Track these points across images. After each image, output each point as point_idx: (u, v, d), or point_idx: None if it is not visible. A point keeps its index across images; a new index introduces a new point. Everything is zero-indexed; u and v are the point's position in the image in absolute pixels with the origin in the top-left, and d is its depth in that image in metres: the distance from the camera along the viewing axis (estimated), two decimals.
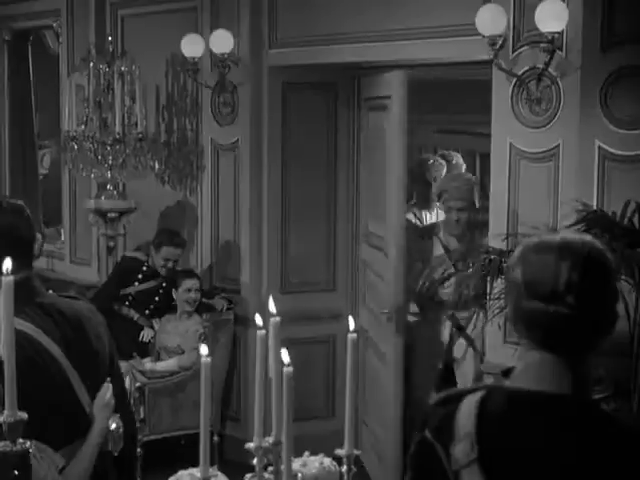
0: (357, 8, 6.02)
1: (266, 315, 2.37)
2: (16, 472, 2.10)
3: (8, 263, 2.03)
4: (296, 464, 2.83)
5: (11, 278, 2.05)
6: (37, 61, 8.90)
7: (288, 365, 2.29)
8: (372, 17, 5.92)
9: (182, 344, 6.37)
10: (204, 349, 2.17)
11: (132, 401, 5.51)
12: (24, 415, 2.10)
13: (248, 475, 2.44)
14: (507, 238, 4.88)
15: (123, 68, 6.86)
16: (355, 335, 2.31)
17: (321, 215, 6.72)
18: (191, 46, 6.52)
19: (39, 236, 3.05)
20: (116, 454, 3.03)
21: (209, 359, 2.15)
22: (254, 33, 6.47)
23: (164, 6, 7.05)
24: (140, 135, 6.82)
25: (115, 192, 7.08)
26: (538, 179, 5.03)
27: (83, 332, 2.88)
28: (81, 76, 7.12)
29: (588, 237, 1.94)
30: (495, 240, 4.97)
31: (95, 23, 7.58)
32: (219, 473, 2.51)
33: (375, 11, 5.90)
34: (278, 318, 2.36)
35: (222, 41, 6.43)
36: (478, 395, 1.91)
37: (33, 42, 8.89)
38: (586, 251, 1.86)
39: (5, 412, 2.09)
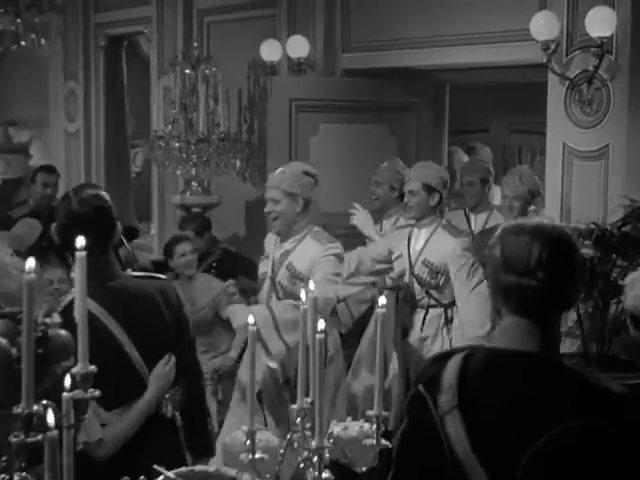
0: (424, 15, 6.38)
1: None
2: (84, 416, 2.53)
3: (82, 240, 2.45)
4: (338, 427, 3.22)
5: (84, 253, 2.47)
6: (130, 65, 9.47)
7: (321, 332, 2.69)
8: (436, 23, 6.28)
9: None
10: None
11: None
12: (94, 368, 2.52)
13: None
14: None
15: (207, 72, 7.32)
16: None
17: None
18: (270, 51, 6.96)
19: (119, 225, 3.51)
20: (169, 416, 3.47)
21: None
22: (328, 38, 6.88)
23: (246, 13, 7.50)
24: (222, 135, 7.27)
25: (199, 188, 7.55)
26: (589, 176, 5.30)
27: (148, 309, 3.31)
28: (169, 79, 7.62)
29: (558, 224, 2.29)
30: None
31: (183, 29, 8.08)
32: (264, 428, 2.91)
33: (439, 18, 6.26)
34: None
35: (298, 46, 6.84)
36: (463, 354, 2.26)
37: (127, 47, 9.46)
38: (555, 235, 2.20)
39: (78, 364, 2.52)
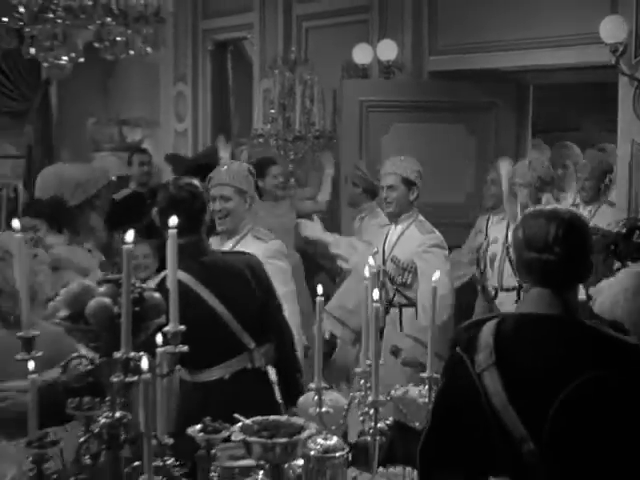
0: (506, 19, 6.77)
1: None
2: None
3: (175, 219, 2.95)
4: (399, 391, 3.67)
5: (175, 231, 2.97)
6: (236, 68, 10.05)
7: (376, 301, 3.15)
8: (517, 27, 6.65)
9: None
10: None
11: None
12: (183, 327, 3.02)
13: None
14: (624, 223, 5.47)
15: (304, 74, 7.82)
16: None
17: None
18: (362, 54, 7.45)
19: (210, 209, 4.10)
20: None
21: None
22: (416, 42, 7.31)
23: (340, 19, 7.99)
24: (317, 133, 7.75)
25: (296, 183, 8.05)
26: None
27: (232, 279, 3.86)
28: (269, 81, 8.15)
29: (572, 209, 2.70)
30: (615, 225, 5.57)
31: (283, 34, 8.61)
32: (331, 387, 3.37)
33: (520, 21, 6.63)
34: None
35: (388, 49, 7.30)
36: (495, 320, 2.67)
37: (232, 52, 10.05)
38: (568, 217, 2.61)
39: (170, 325, 3.02)
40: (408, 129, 7.06)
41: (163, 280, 3.68)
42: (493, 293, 6.08)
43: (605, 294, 3.57)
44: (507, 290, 5.90)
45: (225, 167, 4.97)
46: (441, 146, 7.02)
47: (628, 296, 3.54)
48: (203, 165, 6.55)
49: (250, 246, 4.70)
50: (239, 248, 4.72)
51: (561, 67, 6.84)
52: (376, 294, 3.21)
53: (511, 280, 5.79)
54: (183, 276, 3.71)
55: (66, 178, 4.82)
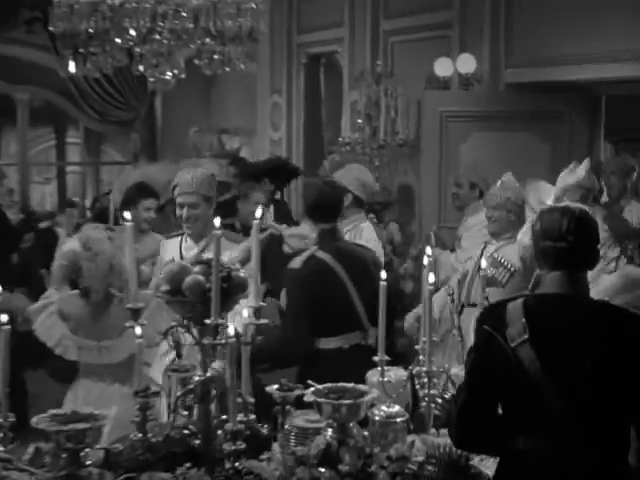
0: (579, 34, 7.20)
1: None
2: None
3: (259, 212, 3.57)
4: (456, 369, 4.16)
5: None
6: (328, 80, 10.64)
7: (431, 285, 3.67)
8: (589, 41, 7.08)
9: None
10: None
11: None
12: (264, 304, 3.59)
13: None
14: None
15: (389, 86, 8.36)
16: None
17: None
18: (443, 67, 7.95)
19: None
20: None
21: None
22: (493, 56, 7.78)
23: (424, 34, 8.52)
24: (401, 141, 8.28)
25: (380, 188, 8.57)
26: None
27: (362, 269, 4.59)
28: (356, 93, 8.71)
29: (582, 206, 3.19)
30: None
31: (370, 48, 9.17)
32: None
33: (591, 36, 7.06)
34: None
35: (467, 63, 7.79)
36: (520, 299, 3.15)
37: (325, 64, 10.64)
38: (578, 212, 3.10)
39: (252, 300, 3.59)
40: (485, 138, 7.51)
41: (309, 257, 4.77)
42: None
43: (596, 287, 4.04)
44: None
45: (190, 175, 5.13)
46: (516, 154, 7.42)
47: (610, 293, 4.04)
48: (270, 169, 7.29)
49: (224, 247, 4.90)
50: (209, 250, 4.84)
51: (633, 79, 7.22)
52: (432, 277, 3.74)
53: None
54: (323, 255, 4.72)
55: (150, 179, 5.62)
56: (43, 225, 8.08)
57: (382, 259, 5.64)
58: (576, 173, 5.93)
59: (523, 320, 3.04)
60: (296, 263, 4.87)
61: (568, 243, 3.05)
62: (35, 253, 7.65)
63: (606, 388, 2.94)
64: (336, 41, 9.85)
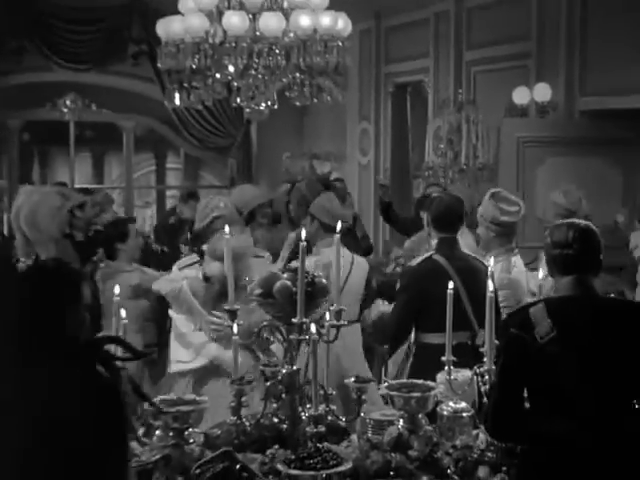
0: None
1: None
2: None
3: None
4: None
5: (338, 235, 4.08)
6: (414, 108, 11.14)
7: (491, 292, 4.13)
8: None
9: None
10: None
11: None
12: (344, 307, 4.11)
13: None
14: None
15: (470, 113, 8.83)
16: None
17: None
18: (520, 95, 8.38)
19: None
20: None
21: None
22: (568, 85, 8.19)
23: (503, 65, 8.99)
24: (480, 165, 8.72)
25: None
26: None
27: (474, 275, 5.11)
28: (439, 120, 9.20)
29: (585, 221, 3.68)
30: None
31: (454, 78, 9.65)
32: None
33: None
34: None
35: (543, 91, 8.21)
36: (540, 303, 3.59)
37: (411, 93, 11.15)
38: (583, 225, 3.59)
39: (334, 305, 4.12)
40: (560, 163, 7.90)
41: (426, 258, 5.42)
42: None
43: None
44: None
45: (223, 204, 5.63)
46: (589, 178, 7.79)
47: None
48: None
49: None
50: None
51: None
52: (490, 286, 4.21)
53: None
54: (439, 257, 5.34)
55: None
56: (156, 247, 8.70)
57: None
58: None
59: (549, 320, 3.49)
60: (414, 262, 5.61)
61: (574, 250, 3.53)
62: None
63: (622, 372, 3.41)
64: (422, 71, 10.36)
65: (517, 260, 5.94)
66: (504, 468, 3.93)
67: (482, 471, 3.98)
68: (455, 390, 4.39)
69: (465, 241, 6.72)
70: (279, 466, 3.74)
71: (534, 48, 8.63)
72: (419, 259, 5.60)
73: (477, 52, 9.48)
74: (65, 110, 12.08)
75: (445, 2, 9.79)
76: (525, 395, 3.57)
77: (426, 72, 10.25)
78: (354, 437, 4.22)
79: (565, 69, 8.27)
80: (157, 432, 3.88)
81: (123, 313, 3.94)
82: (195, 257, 5.40)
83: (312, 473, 3.62)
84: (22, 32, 10.74)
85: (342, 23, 5.71)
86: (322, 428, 3.92)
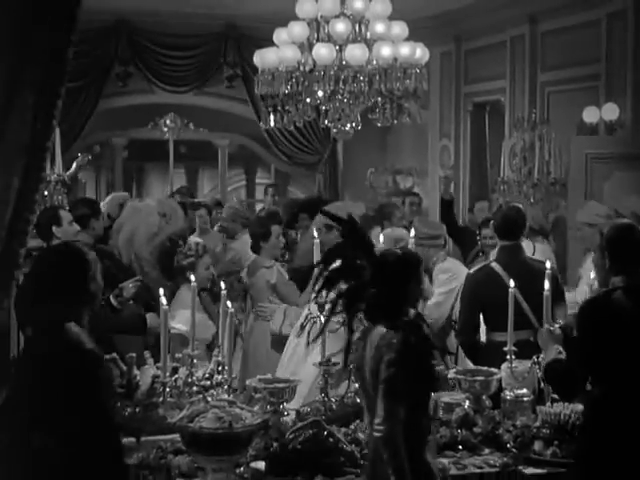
0: None
1: None
2: None
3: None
4: None
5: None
6: (492, 126, 11.67)
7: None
8: None
9: None
10: None
11: None
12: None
13: None
14: None
15: (543, 131, 9.36)
16: None
17: None
18: (590, 114, 8.91)
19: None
20: None
21: None
22: (635, 105, 8.69)
23: (575, 85, 9.54)
24: (553, 180, 9.24)
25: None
26: None
27: (531, 278, 5.45)
28: (515, 137, 9.75)
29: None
30: None
31: (529, 97, 10.21)
32: None
33: None
34: None
35: (611, 111, 8.73)
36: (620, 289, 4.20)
37: (489, 111, 11.71)
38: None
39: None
40: (626, 177, 8.38)
41: (482, 266, 6.00)
42: None
43: None
44: None
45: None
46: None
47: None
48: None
49: None
50: None
51: None
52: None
53: None
54: (494, 265, 5.83)
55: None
56: None
57: None
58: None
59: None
60: (472, 269, 6.21)
61: None
62: None
63: None
64: (499, 91, 10.91)
65: None
66: (556, 442, 4.54)
67: (537, 445, 4.59)
68: (516, 377, 5.01)
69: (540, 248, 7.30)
70: (360, 434, 4.41)
71: (603, 70, 9.13)
72: (476, 267, 6.20)
73: (550, 74, 10.03)
74: (165, 129, 12.93)
75: (520, 27, 10.34)
76: None
77: (503, 92, 10.80)
78: None
79: (632, 90, 8.76)
80: (257, 405, 4.58)
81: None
82: None
83: None
84: (127, 59, 11.61)
85: (420, 52, 6.29)
86: None
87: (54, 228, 6.28)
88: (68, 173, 8.55)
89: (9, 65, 2.69)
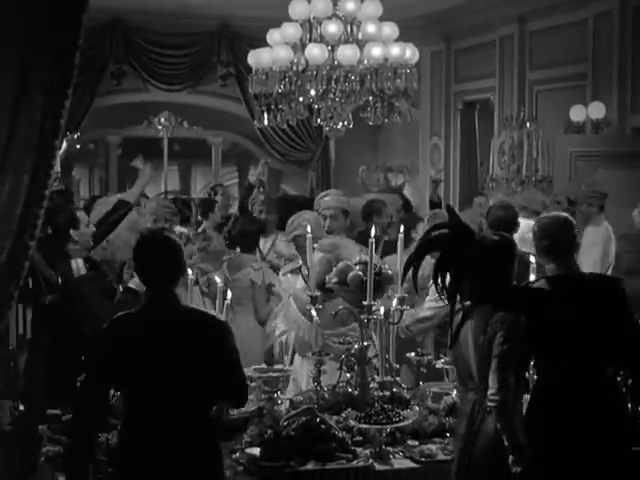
0: None
1: None
2: None
3: None
4: None
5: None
6: (482, 124, 11.85)
7: None
8: None
9: None
10: None
11: None
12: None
13: None
14: None
15: (531, 129, 9.56)
16: None
17: None
18: (576, 113, 9.08)
19: None
20: None
21: None
22: (621, 104, 8.87)
23: (562, 84, 9.72)
24: (541, 177, 9.43)
25: None
26: None
27: (597, 295, 4.59)
28: (503, 135, 9.94)
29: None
30: None
31: (517, 96, 10.39)
32: None
33: None
34: None
35: (597, 110, 8.91)
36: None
37: (479, 110, 11.89)
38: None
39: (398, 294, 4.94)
40: (611, 175, 8.55)
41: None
42: None
43: None
44: None
45: (328, 197, 6.74)
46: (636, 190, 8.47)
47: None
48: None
49: None
50: None
51: None
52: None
53: None
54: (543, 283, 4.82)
55: None
56: None
57: None
58: None
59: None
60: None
61: None
62: None
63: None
64: (488, 90, 11.09)
65: None
66: None
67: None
68: None
69: None
70: (351, 422, 4.58)
71: (590, 69, 9.32)
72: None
73: (539, 73, 10.22)
74: (160, 127, 13.06)
75: (509, 26, 10.53)
76: None
77: (492, 91, 10.98)
78: (416, 407, 5.01)
79: (618, 89, 8.95)
80: (252, 394, 4.74)
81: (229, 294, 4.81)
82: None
83: (378, 427, 4.45)
84: (122, 57, 11.75)
85: (410, 52, 6.44)
86: (387, 392, 4.76)
87: (72, 232, 6.45)
88: (60, 152, 8.66)
89: (18, 67, 2.85)
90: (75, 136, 9.19)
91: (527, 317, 4.09)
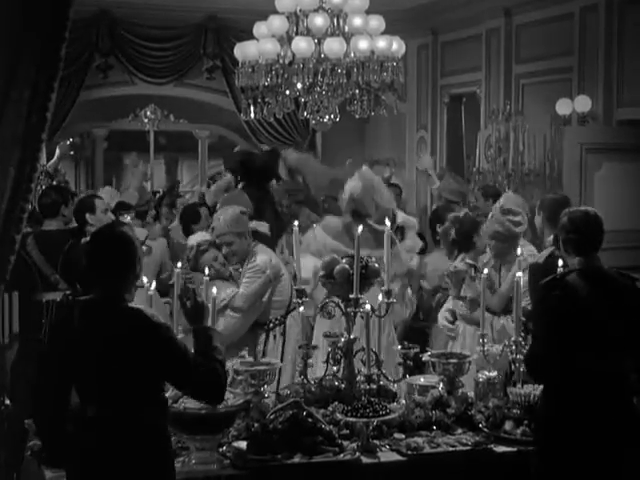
0: None
1: None
2: None
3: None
4: None
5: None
6: (468, 117, 11.84)
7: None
8: None
9: None
10: None
11: None
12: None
13: None
14: None
15: (518, 122, 9.57)
16: None
17: None
18: (563, 106, 9.11)
19: None
20: None
21: None
22: (606, 97, 8.90)
23: (548, 78, 9.72)
24: (527, 171, 9.45)
25: None
26: None
27: (619, 291, 4.59)
28: (490, 128, 9.95)
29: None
30: None
31: (504, 90, 10.40)
32: None
33: None
34: None
35: (583, 103, 8.93)
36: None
37: (465, 103, 11.90)
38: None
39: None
40: (616, 167, 8.59)
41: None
42: None
43: None
44: None
45: (221, 217, 6.41)
46: (623, 183, 8.52)
47: None
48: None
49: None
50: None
51: None
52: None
53: None
54: (574, 278, 4.51)
55: None
56: None
57: None
58: None
59: None
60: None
61: None
62: None
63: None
64: (475, 83, 11.09)
65: None
66: (525, 422, 4.74)
67: (508, 425, 4.79)
68: (488, 360, 5.20)
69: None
70: (338, 415, 4.59)
71: (576, 63, 9.34)
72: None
73: (525, 66, 10.22)
74: (146, 120, 13.05)
75: (496, 19, 10.53)
76: None
77: (479, 84, 10.98)
78: (402, 401, 5.03)
79: (604, 82, 8.97)
80: (239, 387, 4.75)
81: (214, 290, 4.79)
82: None
83: (365, 420, 4.47)
84: (108, 50, 11.71)
85: (396, 45, 6.44)
86: (374, 385, 4.77)
87: (87, 215, 6.46)
88: (50, 163, 8.67)
89: (5, 61, 2.84)
90: (68, 142, 9.17)
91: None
